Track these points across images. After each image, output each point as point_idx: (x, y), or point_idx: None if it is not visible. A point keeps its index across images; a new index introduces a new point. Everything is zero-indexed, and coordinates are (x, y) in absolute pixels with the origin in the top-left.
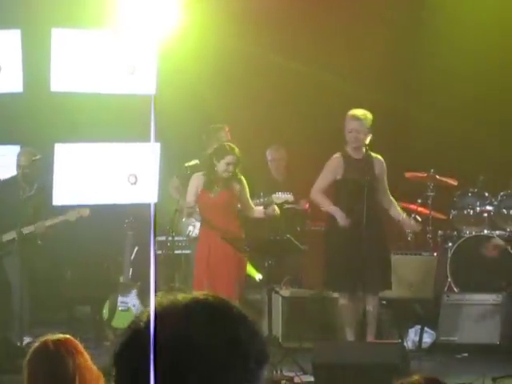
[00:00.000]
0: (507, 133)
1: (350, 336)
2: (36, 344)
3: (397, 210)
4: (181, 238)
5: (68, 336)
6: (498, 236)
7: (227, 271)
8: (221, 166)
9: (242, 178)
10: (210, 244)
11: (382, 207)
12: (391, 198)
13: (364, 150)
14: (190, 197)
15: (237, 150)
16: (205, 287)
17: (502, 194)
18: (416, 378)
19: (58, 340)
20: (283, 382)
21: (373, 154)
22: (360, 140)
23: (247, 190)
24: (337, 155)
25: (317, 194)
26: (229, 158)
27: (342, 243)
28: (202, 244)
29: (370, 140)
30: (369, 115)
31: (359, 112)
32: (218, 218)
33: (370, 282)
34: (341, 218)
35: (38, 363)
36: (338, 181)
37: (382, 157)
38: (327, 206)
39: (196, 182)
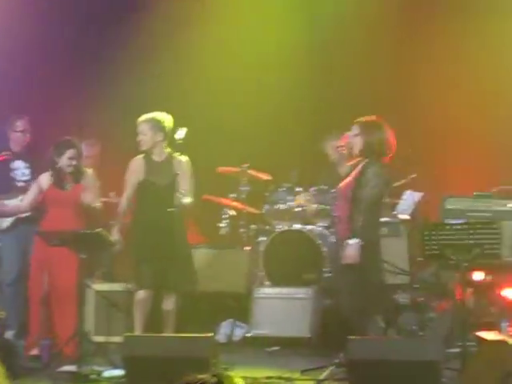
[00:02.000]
0: (319, 128)
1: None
2: None
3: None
4: None
5: None
6: (310, 231)
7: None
8: (63, 161)
9: (88, 170)
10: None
11: (183, 206)
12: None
13: (166, 151)
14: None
15: (78, 143)
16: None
17: (312, 188)
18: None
19: None
20: (93, 376)
21: (176, 155)
22: (146, 143)
23: (95, 183)
24: (139, 157)
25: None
26: (70, 153)
27: (144, 240)
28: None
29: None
30: (158, 117)
31: (145, 116)
32: (67, 213)
33: (172, 280)
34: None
35: None
36: (139, 182)
37: (194, 153)
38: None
39: (41, 180)
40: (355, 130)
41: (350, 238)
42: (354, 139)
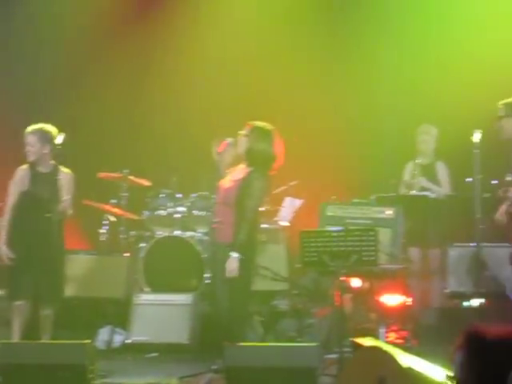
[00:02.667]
0: (202, 134)
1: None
2: None
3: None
4: None
5: None
6: (190, 237)
7: None
8: None
9: None
10: None
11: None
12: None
13: (52, 163)
14: None
15: None
16: None
17: (193, 195)
18: None
19: None
20: None
21: (61, 168)
22: (34, 154)
23: None
24: (24, 167)
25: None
26: None
27: (21, 250)
28: None
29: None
30: (46, 128)
31: (32, 127)
32: None
33: (44, 292)
34: None
35: None
36: (22, 193)
37: (75, 158)
38: None
39: None
40: (245, 131)
41: (232, 249)
42: (241, 139)
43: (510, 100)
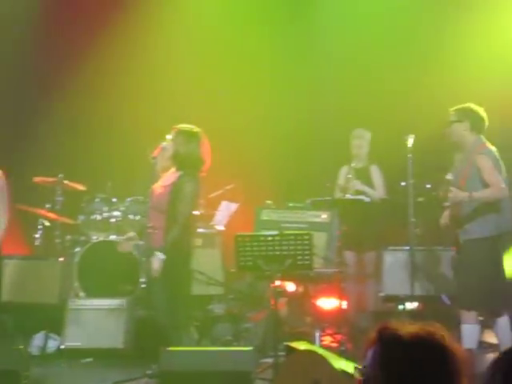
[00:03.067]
0: (138, 138)
1: None
2: None
3: None
4: None
5: None
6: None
7: None
8: None
9: None
10: None
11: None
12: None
13: None
14: None
15: None
16: None
17: (128, 199)
18: None
19: None
20: None
21: None
22: None
23: None
24: None
25: None
26: None
27: None
28: None
29: None
30: None
31: None
32: None
33: None
34: None
35: None
36: None
37: (9, 162)
38: None
39: None
40: (171, 135)
41: (160, 251)
42: (169, 145)
43: (460, 106)
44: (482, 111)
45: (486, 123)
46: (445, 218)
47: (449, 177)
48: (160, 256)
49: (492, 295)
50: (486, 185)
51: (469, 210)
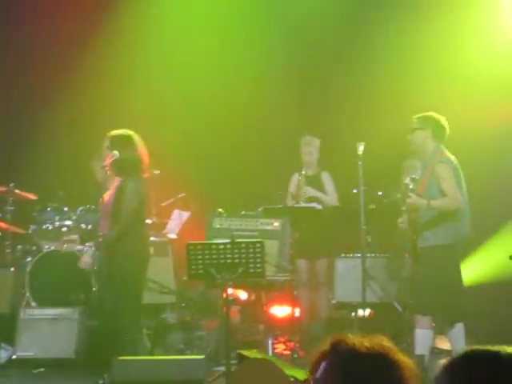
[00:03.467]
0: (88, 147)
1: None
2: None
3: None
4: None
5: None
6: (78, 251)
7: None
8: None
9: None
10: None
11: None
12: None
13: None
14: None
15: None
16: None
17: (80, 208)
18: None
19: None
20: None
21: None
22: None
23: None
24: None
25: None
26: None
27: None
28: None
29: None
30: None
31: None
32: None
33: None
34: None
35: None
36: None
37: None
38: None
39: None
40: (106, 142)
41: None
42: (106, 152)
43: (423, 114)
44: (443, 120)
45: (447, 132)
46: (404, 221)
47: (407, 181)
48: (89, 251)
49: (449, 302)
50: (442, 193)
51: (428, 217)
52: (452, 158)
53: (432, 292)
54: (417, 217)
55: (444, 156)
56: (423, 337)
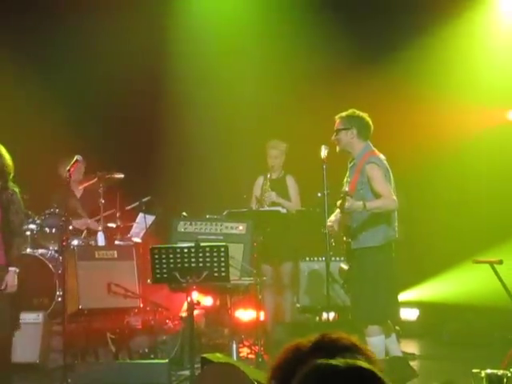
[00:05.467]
0: (55, 151)
1: None
2: None
3: None
4: None
5: None
6: (41, 254)
7: None
8: None
9: None
10: None
11: None
12: None
13: None
14: None
15: None
16: None
17: (46, 212)
18: None
19: None
20: None
21: None
22: None
23: None
24: None
25: None
26: None
27: None
28: None
29: None
30: None
31: None
32: None
33: None
34: None
35: None
36: None
37: None
38: None
39: None
40: None
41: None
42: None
43: (345, 113)
44: (367, 117)
45: (372, 128)
46: (333, 222)
47: (346, 189)
48: (14, 270)
49: (387, 306)
50: (375, 194)
51: (360, 218)
52: (381, 156)
53: (369, 298)
54: (348, 219)
55: (373, 156)
56: (376, 344)
